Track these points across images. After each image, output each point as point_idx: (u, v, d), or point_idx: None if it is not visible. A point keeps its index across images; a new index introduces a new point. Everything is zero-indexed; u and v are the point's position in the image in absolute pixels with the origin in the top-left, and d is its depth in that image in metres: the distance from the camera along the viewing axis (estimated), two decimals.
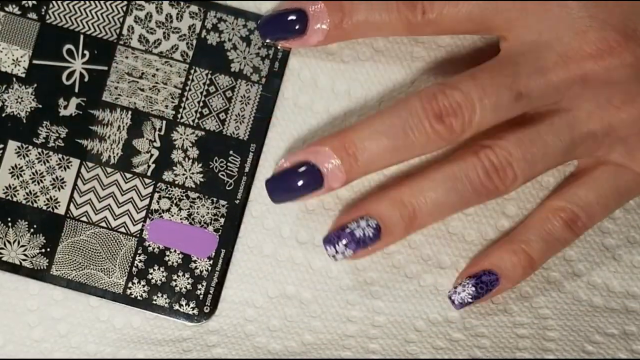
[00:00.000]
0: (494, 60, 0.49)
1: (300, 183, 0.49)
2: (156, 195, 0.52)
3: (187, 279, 0.52)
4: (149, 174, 0.52)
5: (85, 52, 0.52)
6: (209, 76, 0.52)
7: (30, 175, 0.52)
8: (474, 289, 0.51)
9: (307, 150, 0.50)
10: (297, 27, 0.51)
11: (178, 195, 0.52)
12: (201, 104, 0.53)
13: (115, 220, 0.52)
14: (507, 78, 0.48)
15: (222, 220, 0.52)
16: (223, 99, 0.53)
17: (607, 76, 0.49)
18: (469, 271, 0.52)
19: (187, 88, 0.52)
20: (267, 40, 0.52)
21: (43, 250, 0.52)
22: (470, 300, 0.51)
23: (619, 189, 0.51)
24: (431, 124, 0.48)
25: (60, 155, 0.52)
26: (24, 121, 0.52)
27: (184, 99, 0.53)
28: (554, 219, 0.51)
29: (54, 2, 0.52)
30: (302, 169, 0.49)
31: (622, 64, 0.49)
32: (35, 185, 0.52)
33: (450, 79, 0.48)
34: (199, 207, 0.52)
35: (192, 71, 0.52)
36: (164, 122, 0.52)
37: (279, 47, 0.52)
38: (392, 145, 0.48)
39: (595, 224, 0.51)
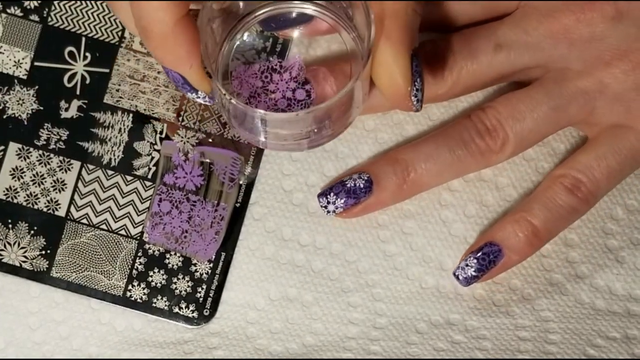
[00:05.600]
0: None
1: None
2: (157, 198, 0.52)
3: (187, 281, 0.52)
4: (149, 176, 0.52)
5: (87, 54, 0.52)
6: None
7: (31, 177, 0.52)
8: (476, 261, 0.51)
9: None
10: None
11: (179, 198, 0.52)
12: (202, 107, 0.53)
13: (115, 222, 0.52)
14: (488, 30, 0.50)
15: (222, 223, 0.52)
16: None
17: (590, 32, 0.49)
18: (472, 247, 0.52)
19: None
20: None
21: (43, 252, 0.52)
22: (474, 274, 0.51)
23: (620, 150, 0.50)
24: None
25: (61, 158, 0.52)
26: (25, 123, 0.52)
27: (185, 101, 0.52)
28: (556, 186, 0.51)
29: (56, 4, 0.52)
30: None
31: (603, 16, 0.49)
32: (36, 187, 0.52)
33: (445, 34, 0.51)
34: (199, 210, 0.52)
35: None
36: (165, 124, 0.52)
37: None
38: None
39: (602, 189, 0.51)
